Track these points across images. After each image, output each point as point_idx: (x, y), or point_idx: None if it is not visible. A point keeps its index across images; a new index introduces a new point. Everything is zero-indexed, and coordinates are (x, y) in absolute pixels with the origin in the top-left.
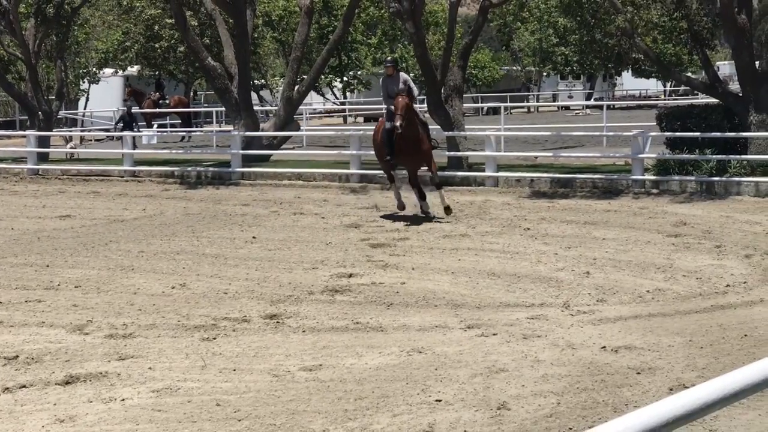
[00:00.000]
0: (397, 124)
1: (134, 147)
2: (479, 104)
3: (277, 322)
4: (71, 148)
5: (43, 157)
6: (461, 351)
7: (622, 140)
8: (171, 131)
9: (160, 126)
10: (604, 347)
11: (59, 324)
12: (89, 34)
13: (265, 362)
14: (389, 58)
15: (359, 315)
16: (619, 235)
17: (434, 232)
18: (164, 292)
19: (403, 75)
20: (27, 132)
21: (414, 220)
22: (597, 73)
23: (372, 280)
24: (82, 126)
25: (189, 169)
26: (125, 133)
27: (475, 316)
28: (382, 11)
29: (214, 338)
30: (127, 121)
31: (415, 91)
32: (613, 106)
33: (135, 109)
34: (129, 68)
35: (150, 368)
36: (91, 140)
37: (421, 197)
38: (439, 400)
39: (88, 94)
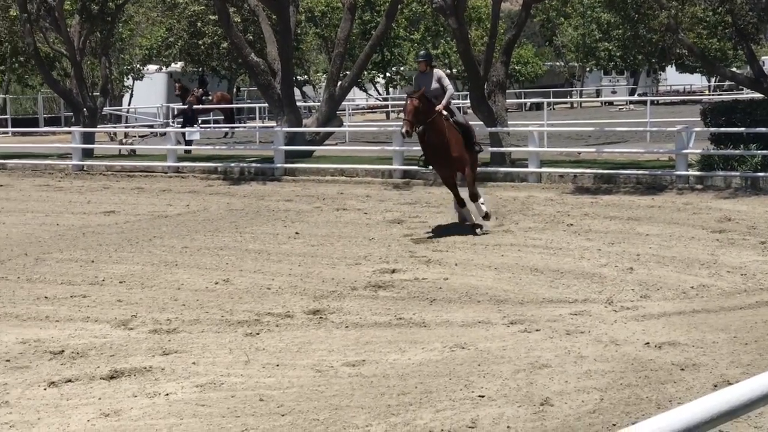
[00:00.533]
0: (403, 130)
1: (188, 143)
2: (522, 100)
3: (320, 317)
4: (128, 144)
5: (87, 153)
6: (504, 347)
7: (666, 136)
8: (214, 127)
9: (203, 122)
10: (648, 343)
11: (104, 319)
12: (133, 31)
13: (308, 357)
14: (422, 52)
15: (402, 310)
16: (663, 231)
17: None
18: (208, 287)
19: (437, 72)
20: (72, 128)
21: (456, 217)
22: (641, 69)
23: (415, 275)
24: (126, 122)
25: (232, 165)
26: (169, 129)
27: (518, 312)
28: (425, 7)
29: (258, 333)
30: (189, 117)
31: (450, 89)
32: (657, 101)
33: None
34: (172, 65)
35: (194, 363)
36: (135, 136)
37: (460, 203)
38: (482, 396)
39: (132, 91)
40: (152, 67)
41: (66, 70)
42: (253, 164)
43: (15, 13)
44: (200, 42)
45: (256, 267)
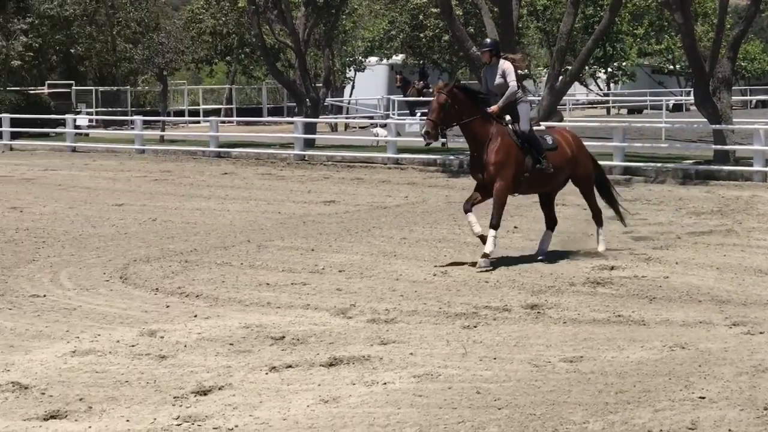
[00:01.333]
0: (423, 131)
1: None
2: (748, 97)
3: (538, 312)
4: (381, 135)
5: (309, 144)
6: (726, 348)
7: None
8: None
9: (423, 115)
10: None
11: (323, 307)
12: (356, 23)
13: (525, 352)
14: (487, 40)
15: (621, 308)
16: None
17: (698, 226)
18: (426, 279)
19: (503, 64)
20: (295, 118)
21: (677, 216)
22: None
23: (634, 273)
24: (347, 113)
25: (451, 157)
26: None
27: (741, 314)
28: (650, 1)
29: (475, 326)
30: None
31: (512, 86)
32: None
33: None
34: (394, 57)
35: (411, 354)
36: (355, 127)
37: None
38: (703, 398)
39: (353, 82)
40: (374, 59)
41: (290, 61)
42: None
43: (243, 5)
44: (422, 34)
45: (474, 260)
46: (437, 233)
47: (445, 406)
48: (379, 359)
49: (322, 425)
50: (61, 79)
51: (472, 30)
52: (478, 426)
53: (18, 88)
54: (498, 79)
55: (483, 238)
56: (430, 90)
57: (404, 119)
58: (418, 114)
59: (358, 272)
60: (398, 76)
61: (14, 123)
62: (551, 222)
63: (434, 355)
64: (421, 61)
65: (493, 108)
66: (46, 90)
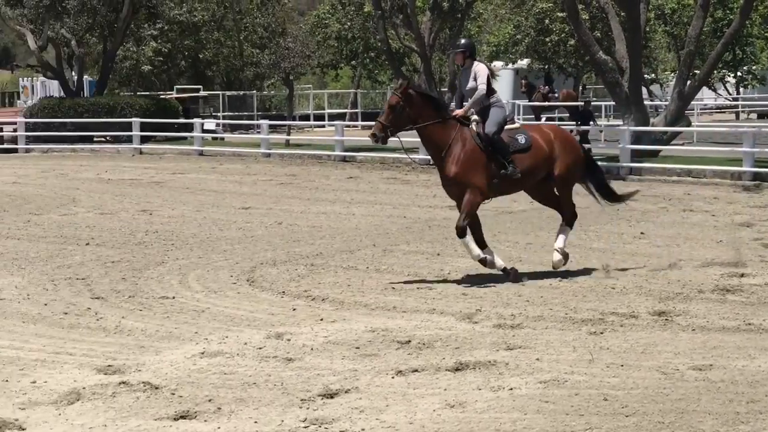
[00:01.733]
0: (369, 134)
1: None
2: None
3: (666, 319)
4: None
5: None
6: None
7: None
8: (559, 125)
9: (548, 120)
10: None
11: (449, 311)
12: (481, 28)
13: (653, 359)
14: (461, 41)
15: (751, 316)
16: None
17: None
18: (552, 284)
19: (476, 66)
20: None
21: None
22: None
23: (765, 280)
24: None
25: None
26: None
27: None
28: None
29: (602, 333)
30: (586, 115)
31: (480, 90)
32: None
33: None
34: (519, 61)
35: (537, 359)
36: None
37: (480, 244)
38: None
39: None
40: (499, 64)
41: (415, 65)
42: (599, 163)
43: (369, 10)
44: (547, 39)
45: (600, 266)
46: None
47: (572, 412)
48: (505, 364)
49: (448, 430)
50: (189, 84)
51: (598, 34)
52: None
53: (147, 93)
54: (471, 83)
55: (484, 261)
56: (555, 95)
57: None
58: (543, 119)
59: (483, 277)
60: (523, 81)
61: (144, 127)
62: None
63: (561, 361)
64: (547, 66)
65: (458, 111)
66: (174, 94)
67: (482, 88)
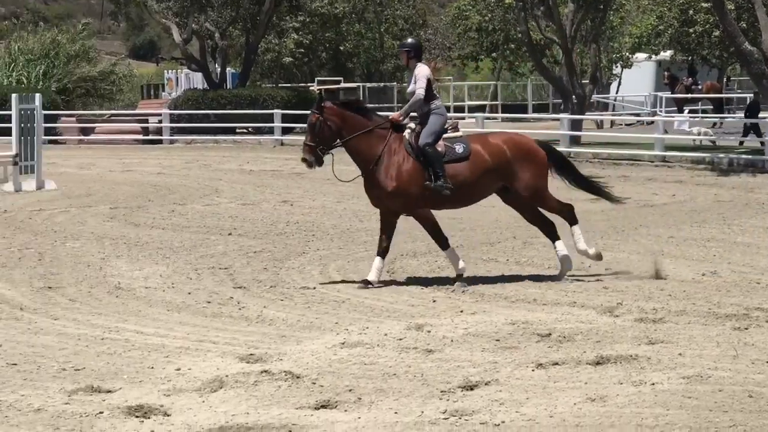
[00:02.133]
0: (300, 158)
1: (665, 132)
2: None
3: None
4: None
5: (575, 140)
6: None
7: None
8: (702, 117)
9: (691, 112)
10: None
11: (590, 305)
12: (624, 19)
13: None
14: (408, 40)
15: None
16: None
17: None
18: (694, 278)
19: (418, 68)
20: (560, 115)
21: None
22: None
23: None
24: (613, 110)
25: (721, 156)
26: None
27: None
28: None
29: (746, 328)
30: (753, 108)
31: (417, 94)
32: None
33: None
34: (661, 53)
35: (680, 354)
36: (621, 125)
37: (381, 252)
38: None
39: (620, 79)
40: (641, 56)
41: (556, 57)
42: (743, 156)
43: (509, 2)
44: (691, 30)
45: (745, 260)
46: (706, 232)
47: (715, 408)
48: (647, 359)
49: (588, 424)
50: (330, 76)
51: (744, 25)
52: (751, 430)
53: (289, 85)
54: (411, 85)
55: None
56: (699, 87)
57: (672, 116)
58: (686, 111)
59: (624, 270)
60: (666, 72)
61: (285, 119)
62: (550, 226)
63: (704, 356)
64: (690, 58)
65: (394, 116)
66: (315, 87)
67: (420, 92)
